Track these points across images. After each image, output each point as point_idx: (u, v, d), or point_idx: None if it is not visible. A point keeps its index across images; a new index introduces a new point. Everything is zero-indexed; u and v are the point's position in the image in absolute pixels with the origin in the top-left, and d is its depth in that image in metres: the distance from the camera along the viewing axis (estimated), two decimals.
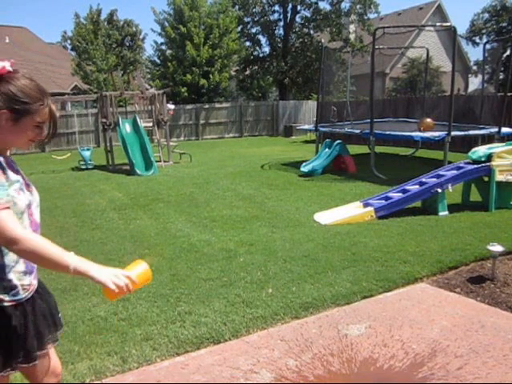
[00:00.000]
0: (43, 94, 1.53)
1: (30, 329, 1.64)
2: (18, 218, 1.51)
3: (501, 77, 17.84)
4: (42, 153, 17.28)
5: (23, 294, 1.63)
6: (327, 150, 10.48)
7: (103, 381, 2.54)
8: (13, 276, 1.58)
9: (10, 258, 1.56)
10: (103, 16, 29.98)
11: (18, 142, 1.55)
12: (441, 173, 6.61)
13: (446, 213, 6.04)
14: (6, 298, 1.60)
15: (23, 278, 1.61)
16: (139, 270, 1.58)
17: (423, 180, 6.58)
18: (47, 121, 1.55)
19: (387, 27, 11.58)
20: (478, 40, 24.65)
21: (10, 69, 1.48)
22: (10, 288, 1.58)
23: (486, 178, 6.33)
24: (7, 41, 24.12)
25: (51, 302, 1.79)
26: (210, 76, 21.68)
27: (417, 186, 6.45)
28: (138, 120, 11.92)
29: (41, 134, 1.55)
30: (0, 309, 1.58)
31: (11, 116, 1.46)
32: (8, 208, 1.44)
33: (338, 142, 10.33)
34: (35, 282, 1.69)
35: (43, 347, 1.69)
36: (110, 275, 1.48)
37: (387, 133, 10.35)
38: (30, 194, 1.61)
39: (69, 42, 30.16)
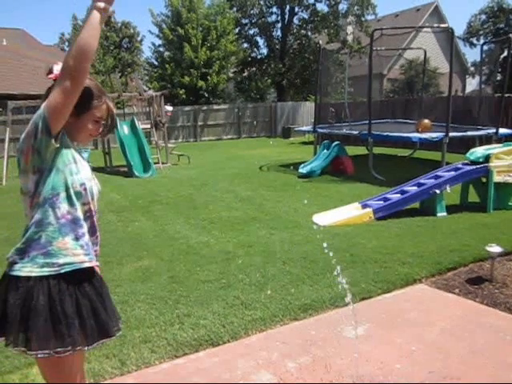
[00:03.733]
0: (102, 92, 1.69)
1: (106, 299, 1.69)
2: (82, 189, 1.64)
3: (498, 78, 17.87)
4: None
5: (95, 261, 1.69)
6: (325, 151, 10.49)
7: (101, 383, 2.53)
8: (86, 236, 1.67)
9: (81, 215, 1.65)
10: None
11: (80, 136, 1.70)
12: (439, 174, 6.62)
13: (445, 214, 6.04)
14: (86, 258, 1.65)
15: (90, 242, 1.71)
16: None
17: (421, 181, 6.59)
18: (105, 116, 1.70)
19: (385, 29, 11.62)
20: (475, 41, 24.70)
21: None
22: (86, 246, 1.65)
23: (484, 179, 6.34)
24: (4, 43, 24.08)
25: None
26: (208, 78, 21.69)
27: (415, 187, 6.45)
28: (136, 122, 11.91)
29: (99, 129, 1.72)
30: (83, 271, 1.63)
31: (74, 112, 1.58)
32: None
33: (337, 143, 10.34)
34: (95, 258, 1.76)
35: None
36: None
37: (385, 134, 10.35)
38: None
39: (66, 43, 30.21)
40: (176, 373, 2.61)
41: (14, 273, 1.55)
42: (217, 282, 3.92)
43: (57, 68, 1.63)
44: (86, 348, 1.60)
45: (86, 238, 1.66)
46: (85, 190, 1.65)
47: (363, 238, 5.06)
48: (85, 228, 1.66)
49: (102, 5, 1.49)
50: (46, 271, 1.54)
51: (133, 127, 11.85)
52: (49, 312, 1.51)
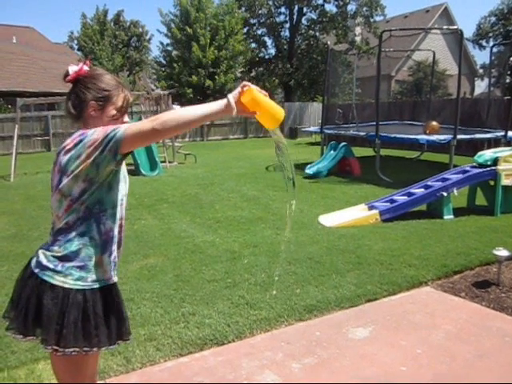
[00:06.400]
0: (119, 82, 1.74)
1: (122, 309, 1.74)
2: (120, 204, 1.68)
3: (507, 80, 17.79)
4: (47, 152, 17.32)
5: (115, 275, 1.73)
6: (332, 152, 10.46)
7: (107, 381, 2.54)
8: (116, 251, 1.70)
9: (115, 235, 1.67)
10: (110, 16, 30.19)
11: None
12: (446, 176, 6.58)
13: (452, 217, 6.01)
14: (112, 274, 1.69)
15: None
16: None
17: (429, 183, 6.55)
18: (125, 104, 1.73)
19: (394, 30, 11.58)
20: (484, 43, 24.61)
21: (87, 68, 1.68)
22: (113, 262, 1.68)
23: (491, 182, 6.30)
24: (14, 41, 24.27)
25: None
26: (216, 77, 21.72)
27: (422, 190, 6.42)
28: None
29: (123, 118, 1.71)
30: (114, 285, 1.69)
31: (98, 106, 1.65)
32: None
33: (344, 144, 10.31)
34: None
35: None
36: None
37: (393, 135, 10.30)
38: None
39: (75, 42, 30.36)
40: (180, 371, 2.62)
41: (46, 278, 1.55)
42: (222, 281, 3.93)
43: (72, 69, 1.63)
44: (107, 348, 1.63)
45: (115, 252, 1.69)
46: (121, 205, 1.69)
47: (369, 239, 5.05)
48: (116, 243, 1.70)
49: (232, 103, 1.49)
50: (79, 285, 1.56)
51: None
52: (81, 310, 1.54)
